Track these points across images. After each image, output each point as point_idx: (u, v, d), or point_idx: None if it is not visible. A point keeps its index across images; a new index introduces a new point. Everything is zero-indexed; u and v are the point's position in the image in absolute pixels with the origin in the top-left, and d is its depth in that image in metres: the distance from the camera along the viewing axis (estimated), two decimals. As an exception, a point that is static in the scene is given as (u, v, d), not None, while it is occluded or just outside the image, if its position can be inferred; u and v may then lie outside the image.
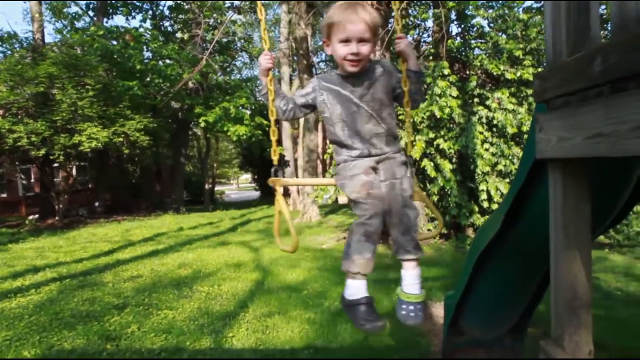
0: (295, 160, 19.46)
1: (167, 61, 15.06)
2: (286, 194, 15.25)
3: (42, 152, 10.97)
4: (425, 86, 7.27)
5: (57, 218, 12.65)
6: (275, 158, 1.87)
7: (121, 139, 11.93)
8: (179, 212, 16.20)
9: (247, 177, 49.99)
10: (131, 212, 15.62)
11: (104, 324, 3.64)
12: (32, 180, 16.03)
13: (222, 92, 16.96)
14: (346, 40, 1.73)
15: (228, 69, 20.63)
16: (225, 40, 18.31)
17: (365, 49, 1.73)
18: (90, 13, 17.06)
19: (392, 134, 1.82)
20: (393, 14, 7.38)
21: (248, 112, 16.46)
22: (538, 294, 2.72)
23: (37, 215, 13.08)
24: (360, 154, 1.80)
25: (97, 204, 16.03)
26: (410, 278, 1.61)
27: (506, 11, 7.78)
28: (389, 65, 1.85)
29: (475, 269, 2.45)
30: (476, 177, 6.55)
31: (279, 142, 20.02)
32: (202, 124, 15.27)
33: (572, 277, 1.24)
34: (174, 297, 4.44)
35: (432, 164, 6.63)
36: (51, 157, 11.50)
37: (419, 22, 8.13)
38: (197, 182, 25.68)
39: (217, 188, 36.43)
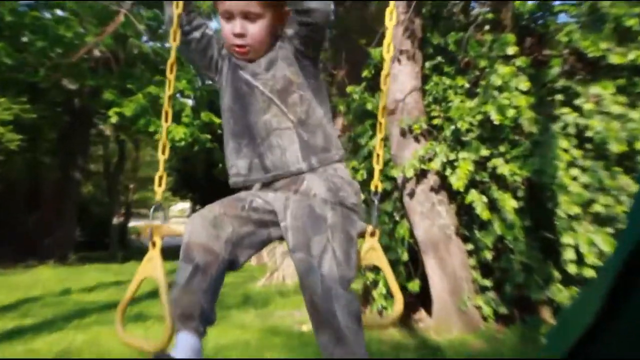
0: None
1: (60, 13, 15.21)
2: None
3: None
4: (478, 73, 7.37)
5: None
6: (158, 178, 2.01)
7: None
8: (66, 261, 16.06)
9: (183, 206, 49.49)
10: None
11: None
12: None
13: (149, 68, 17.02)
14: (228, 16, 1.92)
15: (160, 31, 20.73)
16: (156, -18, 18.56)
17: (255, 28, 1.90)
18: None
19: (311, 131, 1.92)
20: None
21: (190, 102, 16.50)
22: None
23: None
24: (249, 168, 1.92)
25: None
26: None
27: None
28: (287, 31, 2.01)
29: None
30: (557, 223, 6.62)
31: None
32: (114, 119, 15.28)
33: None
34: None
35: (484, 198, 6.69)
36: None
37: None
38: (100, 212, 25.53)
39: (133, 224, 36.07)
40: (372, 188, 2.11)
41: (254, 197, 1.88)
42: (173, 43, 2.06)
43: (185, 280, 1.75)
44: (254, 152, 1.91)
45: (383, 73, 2.12)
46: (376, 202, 2.00)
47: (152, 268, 2.01)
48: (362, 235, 2.02)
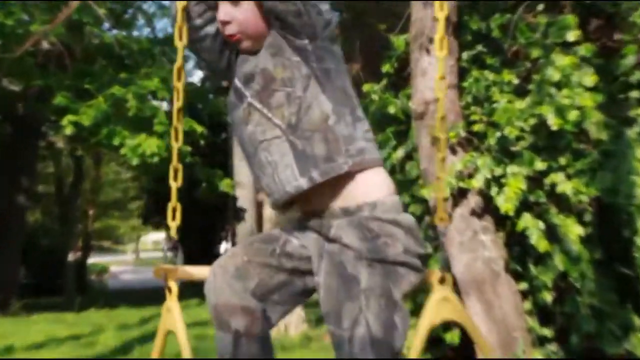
0: (259, 205, 19.25)
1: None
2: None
3: None
4: (530, 65, 7.25)
5: None
6: (171, 210, 2.06)
7: None
8: (8, 310, 15.95)
9: (157, 237, 49.67)
10: None
11: None
12: None
13: (113, 63, 16.99)
14: (215, 5, 2.01)
15: (126, 16, 20.76)
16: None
17: (239, 11, 1.96)
18: None
19: (306, 137, 1.88)
20: None
21: (164, 106, 16.42)
22: None
23: None
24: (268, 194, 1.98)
25: None
26: None
27: None
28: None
29: None
30: (636, 255, 6.49)
31: (225, 166, 19.77)
32: (68, 130, 15.20)
33: None
34: None
35: (540, 224, 6.57)
36: None
37: None
38: (51, 246, 25.43)
39: (94, 260, 36.06)
40: (437, 222, 1.99)
41: (289, 236, 1.89)
42: (179, 43, 2.10)
43: (230, 352, 1.77)
44: (253, 174, 1.97)
45: (437, 76, 2.03)
46: (443, 240, 1.92)
47: (172, 320, 2.02)
48: (425, 283, 2.01)
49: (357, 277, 1.67)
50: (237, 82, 1.96)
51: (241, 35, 1.94)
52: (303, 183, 1.77)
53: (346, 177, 1.85)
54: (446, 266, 1.93)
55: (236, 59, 2.05)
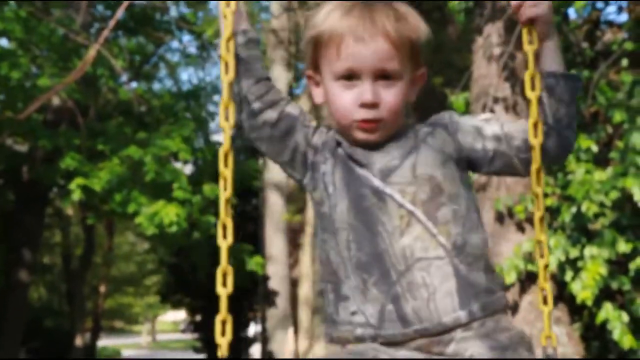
0: (294, 283, 19.12)
1: (2, 43, 15.35)
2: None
3: None
4: (611, 130, 7.16)
5: None
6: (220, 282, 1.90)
7: None
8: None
9: (176, 317, 49.57)
10: None
11: None
12: None
13: (130, 121, 17.10)
14: (349, 76, 1.86)
15: (146, 66, 20.89)
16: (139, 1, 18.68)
17: (390, 95, 1.85)
18: None
19: (469, 262, 1.81)
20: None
21: (187, 169, 16.42)
22: None
23: None
24: (379, 316, 1.77)
25: None
26: None
27: None
28: (443, 117, 2.01)
29: None
30: None
31: (252, 238, 19.68)
32: (77, 195, 15.25)
33: None
34: None
35: (624, 316, 6.46)
36: None
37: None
38: (56, 327, 25.49)
39: (104, 343, 36.09)
40: (543, 342, 1.93)
41: (377, 352, 1.71)
42: (226, 9, 1.91)
43: None
44: (387, 294, 1.75)
45: (533, 139, 1.92)
46: None
47: None
48: None
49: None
50: (370, 177, 1.82)
51: (381, 124, 1.84)
52: (462, 316, 1.68)
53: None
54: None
55: (309, 150, 1.92)
